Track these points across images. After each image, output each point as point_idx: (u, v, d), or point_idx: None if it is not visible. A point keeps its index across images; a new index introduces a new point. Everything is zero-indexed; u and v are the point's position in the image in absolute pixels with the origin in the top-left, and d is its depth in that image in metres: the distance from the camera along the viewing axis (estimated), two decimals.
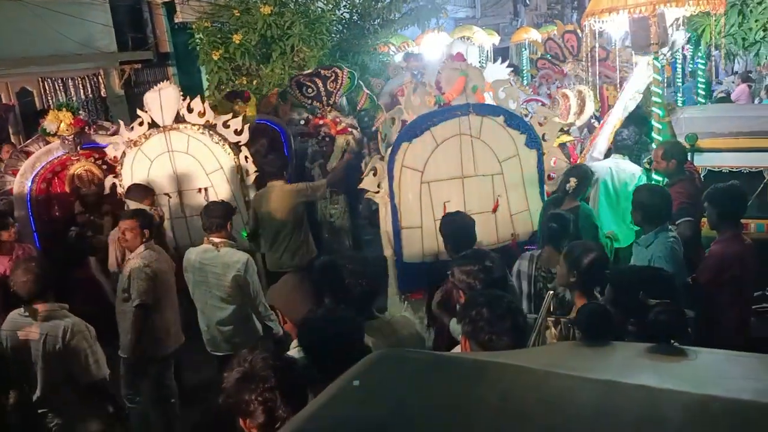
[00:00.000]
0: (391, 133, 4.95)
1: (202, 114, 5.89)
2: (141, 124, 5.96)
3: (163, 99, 5.90)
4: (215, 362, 4.76)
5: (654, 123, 5.47)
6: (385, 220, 4.95)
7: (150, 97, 5.97)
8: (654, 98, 5.44)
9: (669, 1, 4.86)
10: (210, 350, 4.78)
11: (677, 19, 6.18)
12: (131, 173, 5.99)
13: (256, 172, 5.97)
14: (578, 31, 11.11)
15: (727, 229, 3.87)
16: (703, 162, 5.76)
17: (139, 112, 6.02)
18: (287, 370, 2.19)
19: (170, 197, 5.96)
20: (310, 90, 7.53)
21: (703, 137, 5.89)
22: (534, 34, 15.78)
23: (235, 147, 5.92)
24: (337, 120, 7.44)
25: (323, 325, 2.55)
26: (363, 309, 3.06)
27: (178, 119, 5.91)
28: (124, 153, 6.02)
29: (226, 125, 5.91)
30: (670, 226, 4.06)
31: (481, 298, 2.57)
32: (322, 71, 7.63)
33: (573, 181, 4.71)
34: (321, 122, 7.47)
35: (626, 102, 6.23)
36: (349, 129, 7.38)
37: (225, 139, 5.89)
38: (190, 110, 5.88)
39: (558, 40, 11.31)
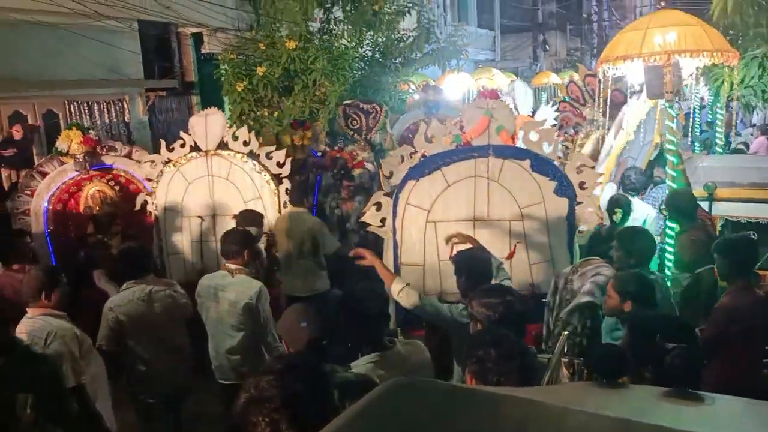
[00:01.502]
0: (398, 170, 4.94)
1: (247, 143, 5.96)
2: (182, 146, 6.06)
3: (209, 124, 6.01)
4: (222, 391, 4.73)
5: (668, 170, 5.48)
6: (387, 255, 4.94)
7: (195, 121, 6.10)
8: (668, 146, 5.46)
9: (683, 51, 4.90)
10: (218, 378, 4.75)
11: (697, 68, 6.25)
12: (166, 193, 6.09)
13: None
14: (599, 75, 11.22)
15: (737, 281, 3.79)
16: (720, 211, 5.74)
17: (182, 134, 6.15)
18: (295, 393, 2.18)
19: (203, 220, 6.04)
20: (354, 122, 7.62)
21: (721, 187, 5.88)
22: (554, 79, 15.96)
23: (276, 178, 5.98)
24: (354, 154, 7.51)
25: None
26: (375, 340, 3.05)
27: (221, 146, 5.99)
28: (161, 172, 6.11)
29: (269, 156, 5.98)
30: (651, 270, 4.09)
31: (489, 337, 2.53)
32: (364, 105, 7.74)
33: (619, 212, 4.77)
34: (338, 155, 7.55)
35: (611, 141, 6.28)
36: (365, 163, 7.44)
37: (267, 170, 5.95)
38: (235, 138, 5.96)
39: (579, 83, 11.42)
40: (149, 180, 6.24)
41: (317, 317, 3.10)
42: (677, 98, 5.74)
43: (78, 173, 6.27)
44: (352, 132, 7.67)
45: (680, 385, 2.02)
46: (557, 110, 9.69)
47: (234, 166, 5.97)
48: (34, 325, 3.68)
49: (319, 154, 7.76)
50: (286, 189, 5.99)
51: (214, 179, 6.03)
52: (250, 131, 6.18)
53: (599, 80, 9.67)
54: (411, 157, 4.93)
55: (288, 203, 6.00)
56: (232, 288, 4.53)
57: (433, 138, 4.92)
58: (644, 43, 5.01)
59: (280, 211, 5.96)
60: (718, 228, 5.58)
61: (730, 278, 3.85)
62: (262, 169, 5.93)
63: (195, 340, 4.82)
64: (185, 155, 6.06)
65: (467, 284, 3.69)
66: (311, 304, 3.53)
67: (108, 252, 5.95)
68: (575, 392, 2.11)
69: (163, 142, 6.30)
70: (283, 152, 6.05)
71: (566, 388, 2.43)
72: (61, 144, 6.20)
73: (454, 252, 4.25)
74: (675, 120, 5.43)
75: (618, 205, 5.10)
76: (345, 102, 8.10)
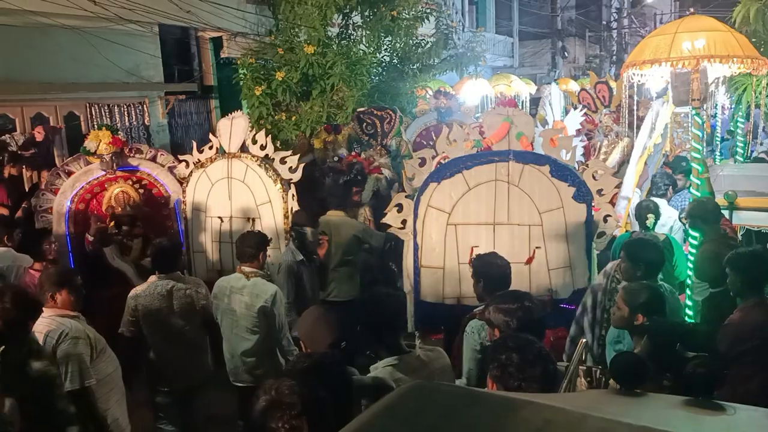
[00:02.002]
0: (420, 172, 4.96)
1: (263, 147, 6.01)
2: (210, 148, 6.17)
3: (233, 127, 6.11)
4: (236, 394, 4.76)
5: (692, 179, 5.43)
6: (407, 256, 4.96)
7: (222, 124, 6.21)
8: (693, 153, 5.41)
9: (712, 57, 4.84)
10: (232, 380, 4.76)
11: (718, 78, 6.20)
12: (194, 193, 6.22)
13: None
14: (610, 82, 11.20)
15: (750, 297, 3.66)
16: (741, 221, 5.67)
17: (211, 136, 6.27)
18: (314, 398, 2.18)
19: (222, 221, 6.12)
20: (369, 127, 7.65)
21: (742, 196, 5.82)
22: (573, 86, 15.87)
23: (287, 184, 6.01)
24: (371, 159, 7.53)
25: (313, 369, 2.55)
26: (393, 344, 3.05)
27: (243, 149, 6.06)
28: (191, 173, 6.23)
29: (283, 161, 6.01)
30: (660, 281, 4.05)
31: (511, 343, 2.51)
32: (378, 111, 7.77)
33: (651, 218, 4.85)
34: (355, 160, 7.57)
35: (644, 142, 6.25)
36: (381, 169, 7.46)
37: (278, 175, 5.97)
38: (254, 141, 6.02)
39: (591, 91, 11.39)
40: (180, 182, 6.36)
41: (337, 321, 3.11)
42: (703, 105, 5.70)
43: (103, 173, 6.33)
44: (367, 137, 7.69)
45: (701, 394, 2.00)
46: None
47: (249, 169, 6.01)
48: (49, 325, 3.72)
49: (336, 159, 7.79)
50: (292, 195, 5.98)
51: (233, 181, 6.09)
52: (267, 135, 6.20)
53: (621, 85, 9.68)
54: (432, 160, 4.94)
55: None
56: (247, 291, 4.55)
57: (454, 142, 4.93)
58: (673, 47, 4.96)
59: (287, 216, 5.92)
60: (739, 237, 5.51)
61: (743, 294, 3.72)
62: (274, 174, 5.95)
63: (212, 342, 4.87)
64: (211, 157, 6.18)
65: (485, 289, 3.68)
66: (331, 307, 3.53)
67: (126, 256, 6.01)
68: (594, 400, 2.09)
69: (195, 144, 6.45)
70: (296, 157, 6.06)
71: (585, 396, 2.41)
72: (89, 144, 6.25)
73: (474, 256, 4.25)
74: (701, 128, 5.38)
75: (650, 210, 5.12)
76: (359, 110, 8.13)
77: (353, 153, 7.67)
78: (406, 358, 3.01)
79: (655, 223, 5.19)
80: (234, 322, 4.62)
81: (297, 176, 5.98)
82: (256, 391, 2.23)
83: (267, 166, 5.94)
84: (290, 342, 4.62)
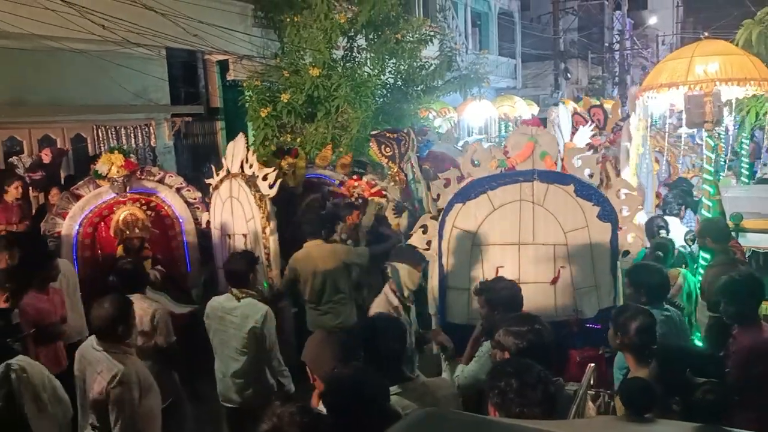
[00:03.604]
0: (444, 193, 4.96)
1: (250, 165, 6.08)
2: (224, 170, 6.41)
3: (235, 148, 6.30)
4: (225, 415, 4.77)
5: (704, 200, 5.44)
6: (432, 277, 4.92)
7: (229, 146, 6.45)
8: (705, 175, 5.43)
9: (730, 80, 4.88)
10: (221, 400, 4.75)
11: (729, 100, 6.23)
12: (212, 213, 6.52)
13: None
14: (605, 105, 11.30)
15: (746, 323, 3.66)
16: (747, 243, 5.67)
17: (222, 158, 6.49)
18: (315, 426, 2.18)
19: (230, 238, 6.32)
20: (387, 149, 7.55)
21: (747, 217, 5.82)
22: (571, 108, 15.93)
23: (264, 200, 6.04)
24: (373, 182, 7.50)
25: (348, 384, 2.53)
26: (396, 371, 3.03)
27: (242, 168, 6.17)
28: (212, 195, 6.54)
29: (264, 178, 6.06)
30: (666, 306, 4.03)
31: (510, 368, 2.50)
32: (391, 134, 7.72)
33: (660, 255, 4.85)
34: (356, 183, 7.54)
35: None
36: (383, 192, 7.41)
37: (259, 191, 6.03)
38: (247, 161, 6.10)
39: (584, 114, 11.44)
40: (188, 203, 6.55)
41: (341, 344, 3.11)
42: (716, 128, 5.73)
43: (112, 197, 6.34)
44: (387, 160, 7.59)
45: (711, 421, 1.99)
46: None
47: (240, 188, 6.13)
48: (101, 360, 3.68)
49: (338, 182, 7.75)
50: (270, 212, 6.01)
51: (233, 200, 6.24)
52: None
53: (604, 110, 9.77)
54: (458, 182, 4.95)
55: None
56: (238, 312, 4.55)
57: (479, 162, 4.93)
58: (690, 71, 5.01)
59: (264, 232, 5.94)
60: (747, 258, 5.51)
61: (738, 321, 3.72)
62: (256, 191, 5.99)
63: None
64: (221, 178, 6.38)
65: (495, 314, 3.65)
66: (337, 332, 3.53)
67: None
68: (602, 426, 2.08)
69: (213, 167, 6.69)
70: (274, 174, 6.09)
71: (593, 422, 2.40)
72: (101, 167, 6.27)
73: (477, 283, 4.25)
74: (713, 150, 5.40)
75: (661, 227, 5.18)
76: (372, 133, 8.13)
77: (354, 177, 7.65)
78: (410, 385, 2.99)
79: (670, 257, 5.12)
80: (225, 343, 4.62)
81: (272, 192, 5.98)
82: (255, 412, 2.23)
83: (251, 183, 6.02)
84: (281, 362, 4.63)
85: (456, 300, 4.88)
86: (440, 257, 4.88)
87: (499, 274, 4.53)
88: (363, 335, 3.15)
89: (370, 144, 7.98)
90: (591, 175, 4.78)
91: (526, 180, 4.78)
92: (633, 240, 4.76)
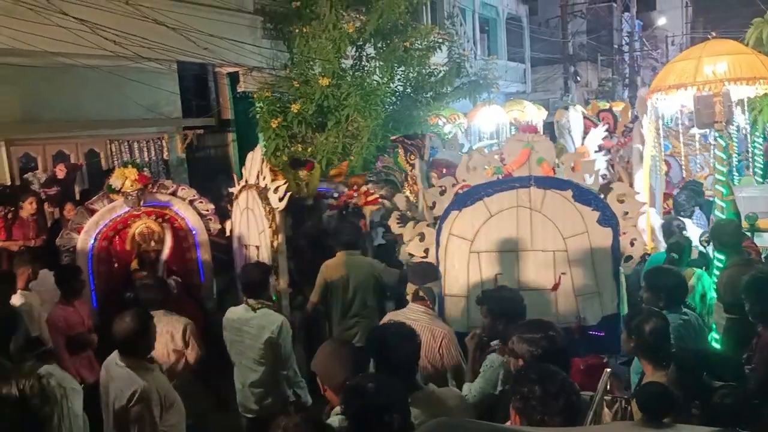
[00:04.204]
0: (440, 201, 4.97)
1: (263, 177, 6.11)
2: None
3: (253, 159, 6.36)
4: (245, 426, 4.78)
5: (717, 201, 5.40)
6: (439, 286, 4.89)
7: (248, 156, 6.51)
8: (718, 176, 5.39)
9: (738, 80, 4.85)
10: (241, 411, 4.78)
11: (741, 99, 6.20)
12: (233, 222, 6.62)
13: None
14: (614, 108, 11.25)
15: None
16: (764, 242, 5.63)
17: (243, 169, 6.56)
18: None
19: (246, 249, 6.40)
20: (412, 156, 7.44)
21: (762, 217, 5.77)
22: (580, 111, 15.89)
23: (274, 213, 6.06)
24: (370, 191, 7.48)
25: (370, 392, 2.53)
26: (407, 380, 3.02)
27: (258, 179, 6.23)
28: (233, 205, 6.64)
29: (275, 191, 6.09)
30: (684, 309, 4.00)
31: (534, 375, 2.49)
32: (410, 140, 7.66)
33: (674, 257, 4.85)
34: (355, 194, 7.51)
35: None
36: (380, 200, 7.38)
37: (269, 204, 6.05)
38: (261, 172, 6.15)
39: (593, 118, 11.41)
40: (201, 215, 6.58)
41: (354, 355, 3.10)
42: (727, 127, 5.70)
43: (126, 210, 6.39)
44: (410, 167, 7.51)
45: (730, 425, 1.97)
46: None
47: (254, 199, 6.17)
48: (122, 377, 3.70)
49: (336, 195, 7.74)
50: (280, 225, 6.00)
51: (248, 211, 6.30)
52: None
53: (614, 114, 9.75)
54: (453, 189, 4.95)
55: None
56: (254, 322, 4.58)
57: (474, 169, 4.93)
58: (698, 71, 4.99)
59: (273, 245, 5.91)
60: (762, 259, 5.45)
61: (764, 319, 3.68)
62: (267, 203, 6.01)
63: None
64: (239, 189, 6.47)
65: (506, 325, 3.62)
66: (346, 342, 3.52)
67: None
68: None
69: (235, 177, 6.81)
70: (284, 186, 6.09)
71: (610, 429, 2.38)
72: (115, 181, 6.32)
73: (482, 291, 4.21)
74: (725, 150, 5.36)
75: (681, 228, 5.26)
76: (393, 138, 8.06)
77: (354, 188, 7.64)
78: (419, 395, 2.99)
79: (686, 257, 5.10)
80: (242, 354, 4.66)
81: (282, 205, 5.97)
82: (264, 423, 2.25)
83: (263, 195, 6.05)
84: (297, 373, 4.65)
85: (454, 307, 4.88)
86: (438, 265, 4.89)
87: (497, 281, 4.52)
88: (375, 344, 3.14)
89: (398, 150, 7.96)
90: (604, 176, 4.77)
91: (523, 186, 4.78)
92: (635, 245, 4.72)
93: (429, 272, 4.43)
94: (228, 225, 6.70)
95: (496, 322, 3.72)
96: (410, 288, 4.31)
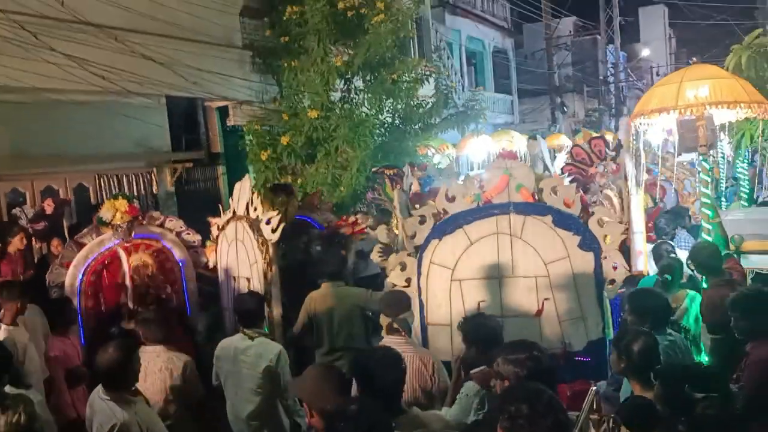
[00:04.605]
0: (420, 230, 4.95)
1: (254, 208, 6.09)
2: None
3: (241, 190, 6.26)
4: None
5: (703, 224, 5.43)
6: (414, 315, 4.89)
7: (236, 187, 6.40)
8: (703, 199, 5.43)
9: (719, 103, 4.92)
10: None
11: (723, 124, 6.27)
12: (218, 255, 6.44)
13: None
14: (606, 136, 11.36)
15: (760, 337, 3.61)
16: (749, 264, 5.65)
17: (230, 200, 6.46)
18: None
19: (235, 281, 6.24)
20: (397, 185, 7.43)
21: (749, 239, 5.81)
22: (564, 140, 16.14)
23: (267, 244, 6.03)
24: (357, 221, 7.47)
25: (354, 416, 2.51)
26: (391, 404, 3.01)
27: (247, 210, 6.16)
28: (218, 236, 6.47)
29: (267, 222, 6.07)
30: (669, 330, 4.00)
31: (521, 393, 2.47)
32: (388, 170, 7.67)
33: (667, 278, 4.81)
34: (343, 223, 7.50)
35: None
36: (366, 230, 7.38)
37: (262, 235, 6.03)
38: (251, 203, 6.12)
39: (584, 146, 11.51)
40: (188, 247, 6.49)
41: (341, 380, 3.07)
42: (710, 152, 5.76)
43: (116, 243, 6.34)
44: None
45: None
46: (562, 172, 9.82)
47: (244, 231, 6.11)
48: (103, 410, 3.64)
49: (325, 226, 7.70)
50: (273, 256, 5.91)
51: (237, 242, 6.20)
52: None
53: (606, 141, 9.86)
54: (433, 217, 4.95)
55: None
56: (251, 351, 4.53)
57: (454, 197, 4.95)
58: (679, 95, 5.06)
59: (266, 278, 5.82)
60: (749, 281, 5.47)
61: (752, 336, 3.67)
62: (259, 235, 5.94)
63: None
64: (226, 220, 6.34)
65: (482, 351, 3.59)
66: (332, 366, 3.48)
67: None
68: None
69: (221, 207, 6.71)
70: (278, 218, 6.00)
71: None
72: (105, 214, 6.28)
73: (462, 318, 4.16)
74: (709, 173, 5.41)
75: (665, 271, 5.03)
76: (373, 170, 8.13)
77: (342, 217, 7.64)
78: (403, 419, 2.97)
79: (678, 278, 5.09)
80: (238, 384, 4.58)
81: (275, 237, 5.91)
82: None
83: (255, 227, 6.03)
84: (296, 402, 4.56)
85: (438, 336, 4.85)
86: (420, 294, 4.87)
87: (480, 309, 4.50)
88: (360, 368, 3.12)
89: (386, 180, 8.01)
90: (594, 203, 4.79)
91: (503, 212, 4.78)
92: (618, 268, 4.70)
93: (401, 302, 4.35)
94: (212, 256, 6.58)
95: (474, 349, 3.70)
96: (383, 320, 4.24)
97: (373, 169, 8.25)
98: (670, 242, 6.11)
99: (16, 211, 8.82)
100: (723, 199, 11.59)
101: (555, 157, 11.74)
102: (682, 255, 5.91)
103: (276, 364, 4.46)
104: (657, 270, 5.39)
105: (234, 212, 6.32)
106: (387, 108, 11.08)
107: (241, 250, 6.19)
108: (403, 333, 4.15)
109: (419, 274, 4.90)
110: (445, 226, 4.89)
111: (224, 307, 6.37)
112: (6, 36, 7.74)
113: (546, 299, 4.74)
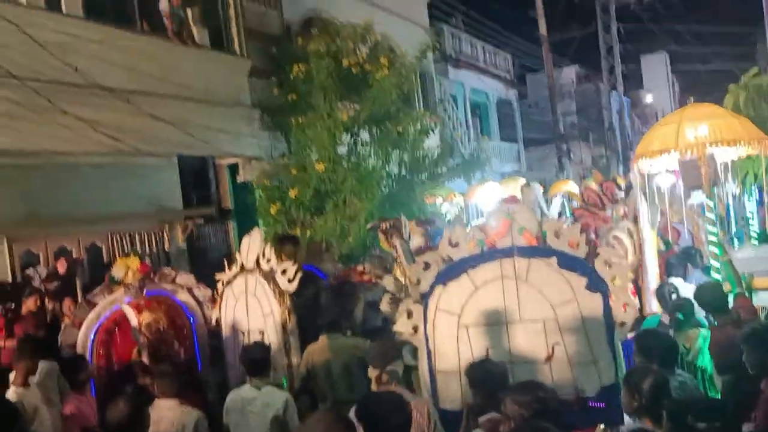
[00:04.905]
0: (425, 277, 4.92)
1: (268, 261, 6.14)
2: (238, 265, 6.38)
3: (250, 243, 6.32)
4: None
5: (712, 261, 5.42)
6: (421, 362, 4.83)
7: (244, 241, 6.47)
8: (710, 236, 5.43)
9: (718, 142, 4.97)
10: None
11: (725, 163, 6.32)
12: (223, 310, 6.39)
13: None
14: (618, 180, 11.41)
15: None
16: (760, 302, 5.61)
17: (237, 254, 6.49)
18: None
19: (244, 335, 6.19)
20: (394, 239, 7.43)
21: (759, 276, 5.79)
22: (572, 186, 16.18)
23: (284, 295, 6.06)
24: (364, 270, 7.48)
25: None
26: None
27: (258, 263, 6.19)
28: (223, 291, 6.45)
29: (283, 272, 6.10)
30: (678, 371, 3.98)
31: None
32: (384, 222, 7.70)
33: (679, 318, 4.80)
34: (350, 273, 7.51)
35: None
36: (374, 280, 7.36)
37: (278, 286, 6.06)
38: (264, 256, 6.16)
39: (596, 188, 11.55)
40: (198, 302, 6.52)
41: (346, 425, 3.04)
42: (715, 189, 5.78)
43: (127, 302, 6.38)
44: (394, 248, 7.52)
45: None
46: (572, 215, 9.85)
47: (258, 283, 6.13)
48: None
49: (329, 276, 7.70)
50: (289, 307, 5.96)
51: (248, 296, 6.20)
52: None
53: (617, 185, 9.90)
54: (437, 263, 4.95)
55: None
56: (258, 401, 4.54)
57: (457, 243, 4.96)
58: (679, 136, 5.12)
59: (285, 329, 5.85)
60: (762, 318, 5.42)
61: (765, 372, 3.63)
62: (275, 286, 5.99)
63: None
64: (234, 274, 6.36)
65: (488, 397, 3.56)
66: (337, 411, 3.46)
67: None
68: None
69: (225, 262, 6.72)
70: (294, 268, 6.04)
71: None
72: (117, 272, 6.37)
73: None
74: (713, 211, 5.43)
75: (677, 309, 5.00)
76: (368, 227, 8.18)
77: (352, 267, 7.67)
78: None
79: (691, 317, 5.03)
80: None
81: (293, 287, 5.96)
82: None
83: (269, 278, 6.06)
84: None
85: (447, 384, 4.73)
86: (427, 341, 4.81)
87: (488, 355, 4.42)
88: (366, 412, 3.11)
89: (379, 235, 8.04)
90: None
91: (506, 256, 4.70)
92: (628, 310, 4.57)
93: (390, 352, 4.29)
94: (215, 312, 6.50)
95: (481, 396, 3.67)
96: (372, 373, 4.17)
97: (368, 226, 8.30)
98: (673, 282, 6.04)
99: (30, 271, 8.93)
100: (735, 239, 11.53)
101: (551, 203, 11.82)
102: (690, 290, 5.89)
103: (283, 412, 4.46)
104: (661, 310, 5.36)
105: (242, 266, 6.37)
106: (393, 159, 11.25)
107: (252, 303, 6.18)
108: (394, 384, 4.10)
109: (426, 321, 4.84)
110: (450, 271, 4.84)
111: (229, 363, 6.31)
112: (20, 102, 7.99)
113: (556, 344, 4.61)
